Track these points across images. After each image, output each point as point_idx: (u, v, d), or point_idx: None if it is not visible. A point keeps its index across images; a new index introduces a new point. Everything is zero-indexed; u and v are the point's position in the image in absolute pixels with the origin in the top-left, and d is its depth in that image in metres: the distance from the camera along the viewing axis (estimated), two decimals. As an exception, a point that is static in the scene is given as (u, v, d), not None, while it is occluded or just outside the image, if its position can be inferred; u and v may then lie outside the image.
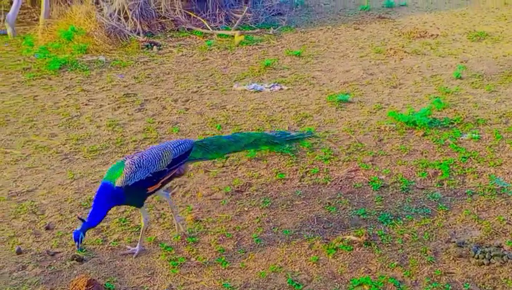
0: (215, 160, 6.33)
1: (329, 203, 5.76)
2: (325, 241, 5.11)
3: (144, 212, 4.96)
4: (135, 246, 5.00)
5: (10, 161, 6.69)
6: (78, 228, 4.59)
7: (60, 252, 4.96)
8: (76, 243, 4.57)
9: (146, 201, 4.99)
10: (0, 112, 8.17)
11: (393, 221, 5.41)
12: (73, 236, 4.57)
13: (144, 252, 4.98)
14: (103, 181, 4.72)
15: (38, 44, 11.06)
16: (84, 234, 4.61)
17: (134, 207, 5.27)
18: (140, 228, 5.05)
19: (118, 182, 4.65)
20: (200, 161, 5.64)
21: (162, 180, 4.89)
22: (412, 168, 6.42)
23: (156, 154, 4.85)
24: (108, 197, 4.66)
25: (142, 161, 4.76)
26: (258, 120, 7.90)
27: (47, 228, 5.32)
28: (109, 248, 5.05)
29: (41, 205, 5.74)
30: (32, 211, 5.61)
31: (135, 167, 4.71)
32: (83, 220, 4.63)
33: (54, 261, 4.84)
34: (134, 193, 4.73)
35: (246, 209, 5.70)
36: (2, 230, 5.29)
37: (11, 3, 13.38)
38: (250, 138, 5.46)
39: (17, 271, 4.71)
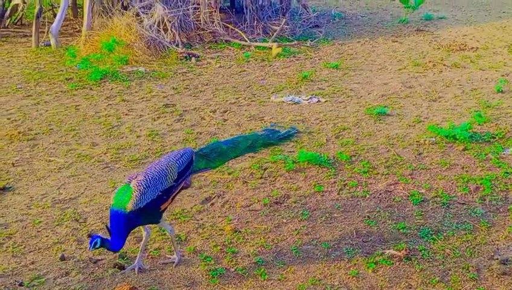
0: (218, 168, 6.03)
1: (368, 216, 5.73)
2: (365, 255, 5.08)
3: (165, 224, 4.90)
4: (173, 255, 5.03)
5: (54, 169, 6.84)
6: (104, 237, 4.61)
7: (102, 260, 5.04)
8: (89, 245, 4.56)
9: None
10: (44, 120, 8.37)
11: (433, 236, 5.35)
12: (92, 238, 4.57)
13: (183, 261, 5.02)
14: (113, 208, 4.60)
15: (80, 55, 11.30)
16: (101, 246, 4.58)
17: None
18: (171, 239, 5.03)
19: (130, 207, 4.56)
20: (204, 171, 5.47)
21: (172, 196, 4.83)
22: (452, 183, 6.34)
23: (161, 170, 4.73)
24: (123, 224, 4.59)
25: (148, 180, 4.64)
26: (295, 132, 7.91)
27: (89, 236, 5.40)
28: (150, 256, 5.11)
29: (84, 212, 5.85)
30: (75, 219, 5.73)
31: (143, 187, 4.60)
32: (109, 230, 4.64)
33: (96, 268, 4.93)
34: (148, 213, 4.66)
35: (284, 221, 5.71)
36: (46, 236, 5.41)
37: (55, 15, 13.75)
38: (247, 141, 5.38)
39: (60, 277, 4.81)
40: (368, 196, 6.14)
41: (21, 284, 4.68)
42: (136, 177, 4.69)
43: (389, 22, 14.80)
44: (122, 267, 4.90)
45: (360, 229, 5.51)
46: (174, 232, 5.09)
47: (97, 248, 4.62)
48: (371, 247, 5.20)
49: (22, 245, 5.26)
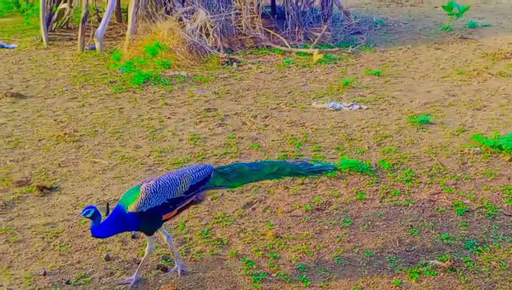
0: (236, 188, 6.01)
1: (411, 225, 5.66)
2: (408, 264, 5.03)
3: (151, 242, 4.79)
4: (131, 276, 4.86)
5: (98, 170, 6.97)
6: (99, 212, 4.52)
7: (145, 261, 5.10)
8: (82, 211, 4.52)
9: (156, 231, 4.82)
10: (89, 122, 8.55)
11: (479, 247, 5.25)
12: (89, 206, 4.51)
13: (225, 265, 5.05)
14: (118, 203, 4.61)
15: (124, 58, 11.50)
16: (90, 218, 4.49)
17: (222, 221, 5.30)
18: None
19: (131, 207, 4.53)
20: (219, 189, 5.30)
21: (179, 207, 4.73)
22: (498, 194, 6.23)
23: (174, 179, 4.68)
24: (118, 221, 4.56)
25: (158, 186, 4.60)
26: (337, 139, 7.89)
27: (133, 237, 5.51)
28: (192, 259, 5.16)
29: (128, 214, 5.93)
30: (119, 220, 5.81)
31: (151, 192, 4.56)
32: (108, 211, 4.64)
33: (140, 269, 4.99)
34: (148, 219, 4.60)
35: (326, 227, 5.69)
36: (92, 237, 5.50)
37: (99, 19, 14.05)
38: (273, 167, 5.13)
39: (105, 277, 4.89)
40: (410, 205, 6.07)
41: (68, 283, 4.78)
42: (148, 181, 4.68)
43: (432, 29, 14.62)
44: (165, 269, 4.96)
45: (403, 238, 5.45)
46: (151, 254, 4.93)
47: (86, 217, 4.51)
48: (414, 257, 5.14)
49: (68, 244, 5.38)
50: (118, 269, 4.99)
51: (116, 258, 5.16)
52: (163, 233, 4.84)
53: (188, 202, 4.79)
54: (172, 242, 4.97)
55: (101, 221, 4.56)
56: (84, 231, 5.61)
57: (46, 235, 5.51)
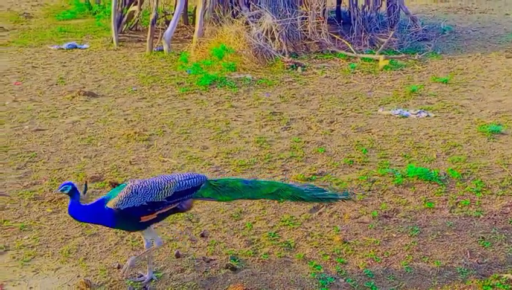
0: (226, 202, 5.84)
1: (483, 237, 5.54)
2: (480, 277, 4.92)
3: (154, 235, 4.81)
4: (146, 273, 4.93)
5: (167, 169, 7.14)
6: (77, 190, 4.55)
7: (214, 260, 5.21)
8: (60, 186, 4.57)
9: (156, 225, 4.85)
10: (158, 122, 8.76)
11: (555, 263, 5.09)
12: (67, 183, 4.55)
13: (293, 267, 5.08)
14: (104, 196, 4.71)
15: (191, 61, 11.72)
16: (67, 194, 4.53)
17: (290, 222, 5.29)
18: (148, 254, 4.91)
19: (110, 203, 4.55)
20: (208, 201, 5.21)
21: (159, 212, 4.69)
22: None
23: (158, 183, 4.66)
24: (96, 212, 4.58)
25: (140, 187, 4.60)
26: (404, 146, 7.80)
27: (202, 235, 5.62)
28: (260, 260, 5.22)
29: (196, 213, 6.06)
30: (188, 218, 5.95)
31: (131, 192, 4.56)
32: (86, 188, 4.74)
33: (210, 267, 5.09)
34: (125, 218, 4.59)
35: (394, 235, 5.64)
36: (162, 233, 5.65)
37: (167, 22, 14.37)
38: (272, 187, 4.99)
39: (176, 273, 5.01)
40: (481, 216, 5.94)
41: (141, 277, 4.93)
42: (134, 181, 4.71)
43: (502, 37, 14.23)
44: (234, 269, 5.04)
45: (474, 250, 5.34)
46: (152, 249, 4.88)
47: (63, 193, 4.56)
48: (486, 269, 5.03)
49: (140, 240, 5.53)
50: (188, 266, 5.11)
51: (186, 255, 5.28)
52: (145, 239, 4.82)
53: (170, 208, 4.75)
54: (152, 253, 4.91)
55: (82, 203, 4.60)
56: (154, 228, 5.76)
57: (119, 230, 5.68)
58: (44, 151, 7.68)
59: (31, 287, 4.84)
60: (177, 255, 5.25)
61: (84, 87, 10.50)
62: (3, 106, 9.50)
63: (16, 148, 7.75)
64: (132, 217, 4.60)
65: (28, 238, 5.58)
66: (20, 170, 7.07)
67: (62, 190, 4.56)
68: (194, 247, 5.44)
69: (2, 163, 7.30)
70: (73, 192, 4.55)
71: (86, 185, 4.85)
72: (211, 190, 4.85)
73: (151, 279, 4.88)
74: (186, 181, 4.75)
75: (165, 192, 4.64)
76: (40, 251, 5.36)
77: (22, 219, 5.95)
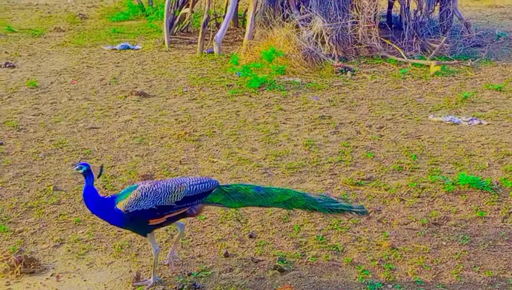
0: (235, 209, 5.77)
1: (536, 249, 5.42)
2: (533, 289, 4.83)
3: (152, 242, 4.81)
4: (150, 277, 4.92)
5: (217, 170, 7.24)
6: (92, 173, 4.67)
7: (262, 261, 5.26)
8: (77, 165, 4.70)
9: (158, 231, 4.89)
10: (208, 123, 8.89)
11: None
12: (84, 163, 4.67)
13: (341, 272, 5.09)
14: (115, 194, 4.83)
15: (241, 63, 11.83)
16: (82, 174, 4.65)
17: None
18: (153, 260, 4.89)
19: (120, 205, 4.60)
20: (218, 206, 5.08)
21: (168, 216, 4.69)
22: None
23: (168, 187, 4.66)
24: (106, 209, 4.65)
25: (150, 190, 4.62)
26: (455, 153, 7.69)
27: (250, 236, 5.68)
28: (308, 263, 5.24)
29: (245, 214, 6.13)
30: (236, 219, 6.02)
31: (141, 195, 4.59)
32: (101, 172, 4.83)
33: (258, 268, 5.15)
34: (134, 221, 4.63)
35: (443, 243, 5.57)
36: (211, 233, 5.75)
37: (217, 24, 14.55)
38: (284, 195, 4.92)
39: (225, 272, 5.09)
40: (536, 227, 5.81)
41: (190, 274, 5.02)
42: (145, 184, 4.73)
43: (560, 44, 13.84)
44: (282, 270, 5.08)
45: (527, 261, 5.23)
46: (158, 254, 4.86)
47: (78, 171, 4.67)
48: (540, 281, 4.93)
49: (189, 238, 5.64)
50: (236, 266, 5.18)
51: (235, 255, 5.35)
52: (153, 245, 4.81)
53: (179, 212, 4.75)
54: (158, 258, 4.88)
55: (98, 194, 4.71)
56: (204, 227, 5.87)
57: (169, 228, 5.80)
58: (97, 148, 7.90)
59: (85, 280, 5.01)
60: (226, 255, 5.33)
61: (136, 87, 10.73)
62: (59, 104, 9.81)
63: (71, 145, 8.00)
64: (141, 219, 4.63)
65: (83, 232, 5.76)
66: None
67: (77, 169, 4.69)
68: (242, 247, 5.50)
69: (58, 159, 7.55)
70: (87, 173, 4.66)
71: (101, 168, 4.93)
72: (222, 195, 4.83)
73: (155, 282, 4.89)
74: (197, 186, 4.74)
75: (174, 196, 4.65)
76: (94, 245, 5.53)
77: (76, 213, 6.15)
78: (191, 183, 4.73)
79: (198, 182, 4.78)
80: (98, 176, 4.87)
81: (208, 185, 4.79)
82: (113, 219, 4.71)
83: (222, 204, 4.88)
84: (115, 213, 4.63)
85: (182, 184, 4.71)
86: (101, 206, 4.69)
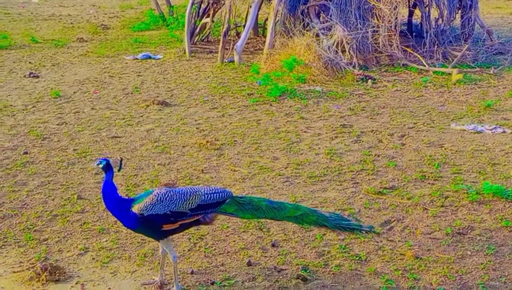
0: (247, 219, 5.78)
1: None
2: (561, 300, 4.75)
3: (169, 248, 4.85)
4: (173, 286, 4.92)
5: (238, 179, 7.26)
6: (112, 167, 4.79)
7: (285, 270, 5.26)
8: (98, 160, 4.83)
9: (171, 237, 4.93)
10: (229, 132, 8.92)
11: None
12: (103, 159, 4.81)
13: (364, 281, 5.06)
14: (132, 197, 4.90)
15: (261, 72, 11.86)
16: (102, 168, 4.77)
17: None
18: (173, 267, 4.91)
19: (135, 208, 4.68)
20: (231, 216, 5.09)
21: (182, 222, 4.77)
22: None
23: (184, 194, 4.76)
24: (123, 210, 4.72)
25: (166, 196, 4.70)
26: (478, 162, 7.62)
27: (273, 245, 5.68)
28: (331, 272, 5.23)
29: (267, 223, 6.12)
30: (259, 228, 6.03)
31: (156, 199, 4.68)
32: (121, 166, 4.90)
33: (281, 277, 5.15)
34: (148, 225, 4.71)
35: (468, 253, 5.52)
36: (234, 241, 5.76)
37: (237, 33, 14.62)
38: (296, 211, 4.99)
39: (248, 281, 5.10)
40: (562, 237, 5.73)
41: (213, 283, 5.04)
42: (160, 189, 4.83)
43: None
44: (305, 279, 5.07)
45: (554, 272, 5.16)
46: (177, 261, 4.88)
47: (97, 166, 4.80)
48: None
49: (212, 247, 5.66)
50: (259, 275, 5.18)
51: (258, 264, 5.36)
52: (170, 251, 4.84)
53: (193, 219, 4.81)
54: (177, 265, 4.90)
55: (117, 193, 4.79)
56: (226, 236, 5.88)
57: (192, 236, 5.83)
58: (120, 157, 7.96)
59: (109, 288, 5.05)
60: (249, 264, 5.34)
61: (157, 96, 10.82)
62: (82, 113, 9.93)
63: (94, 154, 8.08)
64: (154, 224, 4.71)
65: (107, 240, 5.82)
66: (98, 175, 7.36)
67: (97, 164, 4.81)
68: (265, 256, 5.51)
69: (82, 168, 7.64)
70: (107, 168, 4.78)
71: (121, 161, 4.99)
72: (235, 206, 4.91)
73: None
74: (211, 195, 4.84)
75: (189, 203, 4.74)
76: (118, 254, 5.57)
77: (100, 221, 6.21)
78: (205, 192, 4.84)
79: (213, 191, 4.89)
80: (118, 170, 4.97)
81: (222, 195, 4.88)
82: (126, 221, 4.79)
83: (235, 214, 4.95)
84: (130, 215, 4.72)
85: (197, 192, 4.81)
86: (118, 205, 4.78)
